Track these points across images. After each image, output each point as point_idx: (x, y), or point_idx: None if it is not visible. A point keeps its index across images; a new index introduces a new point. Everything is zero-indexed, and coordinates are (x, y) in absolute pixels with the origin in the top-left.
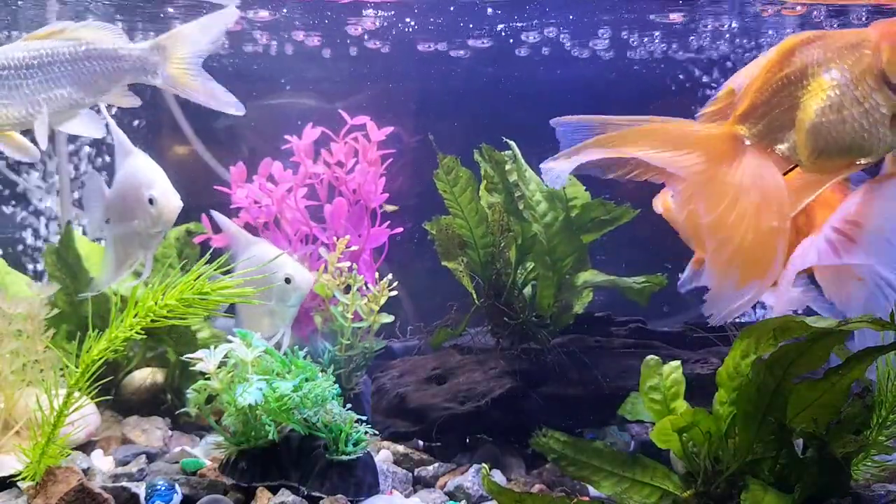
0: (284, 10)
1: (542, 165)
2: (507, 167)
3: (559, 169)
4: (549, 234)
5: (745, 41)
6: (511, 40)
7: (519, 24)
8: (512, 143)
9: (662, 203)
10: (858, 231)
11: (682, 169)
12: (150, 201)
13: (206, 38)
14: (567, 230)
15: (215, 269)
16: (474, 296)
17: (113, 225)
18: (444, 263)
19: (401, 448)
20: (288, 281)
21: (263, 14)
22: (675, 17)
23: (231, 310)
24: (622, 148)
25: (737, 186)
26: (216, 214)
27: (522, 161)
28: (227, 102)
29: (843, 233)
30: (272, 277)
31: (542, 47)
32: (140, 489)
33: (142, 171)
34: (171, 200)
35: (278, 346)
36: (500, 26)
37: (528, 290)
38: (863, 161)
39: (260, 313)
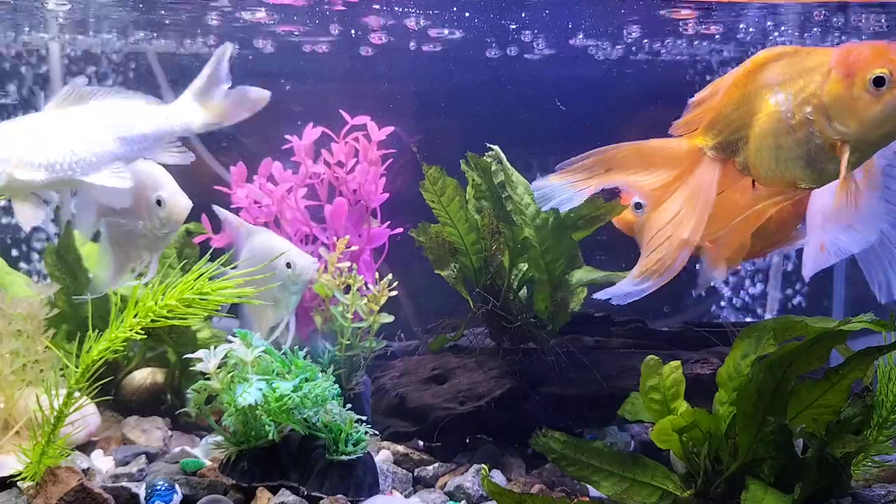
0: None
1: (533, 185)
2: (493, 168)
3: (548, 188)
4: (541, 236)
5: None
6: (510, 40)
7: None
8: (496, 147)
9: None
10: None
11: (652, 182)
12: (159, 202)
13: (220, 76)
14: (558, 230)
15: (215, 270)
16: (471, 303)
17: (115, 226)
18: (436, 272)
19: (401, 448)
20: (289, 266)
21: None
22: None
23: (234, 305)
24: (602, 172)
25: (684, 194)
26: (218, 209)
27: (508, 165)
28: (258, 100)
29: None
30: (274, 265)
31: (542, 48)
32: (140, 489)
33: (147, 172)
34: (180, 201)
35: (284, 333)
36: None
37: (523, 292)
38: (804, 186)
39: (264, 302)
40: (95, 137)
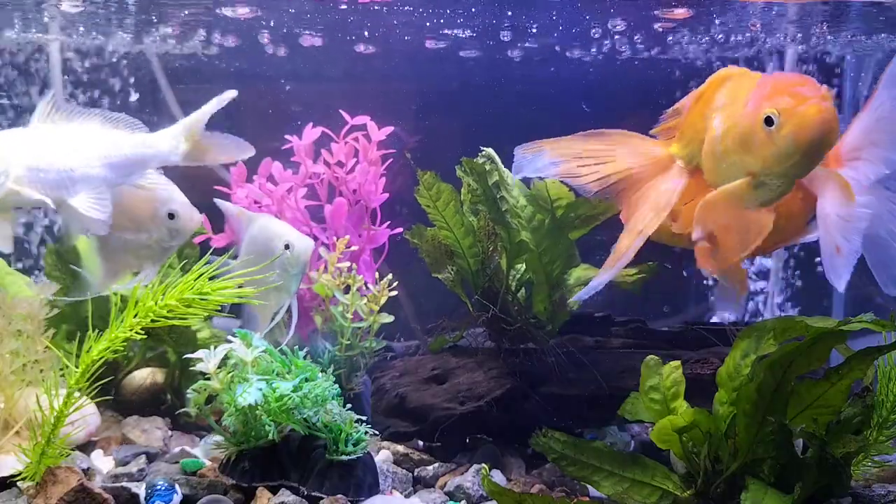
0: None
1: (515, 150)
2: (488, 167)
3: (528, 157)
4: (537, 239)
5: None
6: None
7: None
8: (489, 150)
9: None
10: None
11: (623, 172)
12: (171, 216)
13: (208, 115)
14: (554, 231)
15: (215, 270)
16: (469, 305)
17: (116, 236)
18: (434, 275)
19: (401, 448)
20: (288, 248)
21: (244, 11)
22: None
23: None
24: (581, 148)
25: (650, 194)
26: (217, 200)
27: (503, 167)
28: (243, 150)
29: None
30: (274, 249)
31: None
32: (140, 489)
33: (158, 186)
34: (193, 215)
35: (287, 316)
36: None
37: (522, 293)
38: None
39: (266, 287)
40: (84, 160)
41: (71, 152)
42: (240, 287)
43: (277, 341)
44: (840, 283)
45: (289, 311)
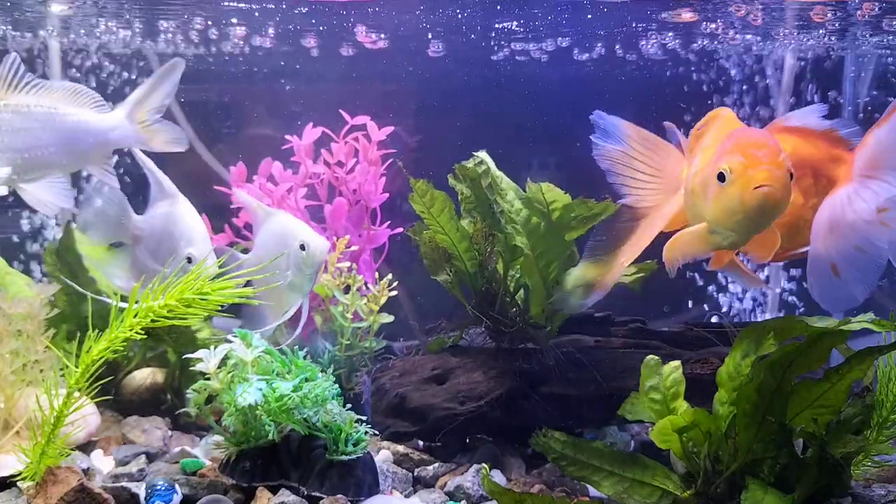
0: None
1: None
2: (482, 170)
3: (607, 120)
4: (533, 242)
5: None
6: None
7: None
8: (482, 154)
9: None
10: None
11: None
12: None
13: (163, 93)
14: (551, 234)
15: (215, 270)
16: (468, 308)
17: (141, 256)
18: (433, 277)
19: (401, 448)
20: (303, 248)
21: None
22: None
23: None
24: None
25: (651, 217)
26: (238, 191)
27: (497, 171)
28: (180, 143)
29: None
30: (288, 246)
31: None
32: (140, 489)
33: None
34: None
35: (297, 316)
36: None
37: (520, 295)
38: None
39: (279, 287)
40: (43, 144)
41: (32, 136)
42: (248, 283)
43: (278, 342)
44: (837, 306)
45: (298, 310)
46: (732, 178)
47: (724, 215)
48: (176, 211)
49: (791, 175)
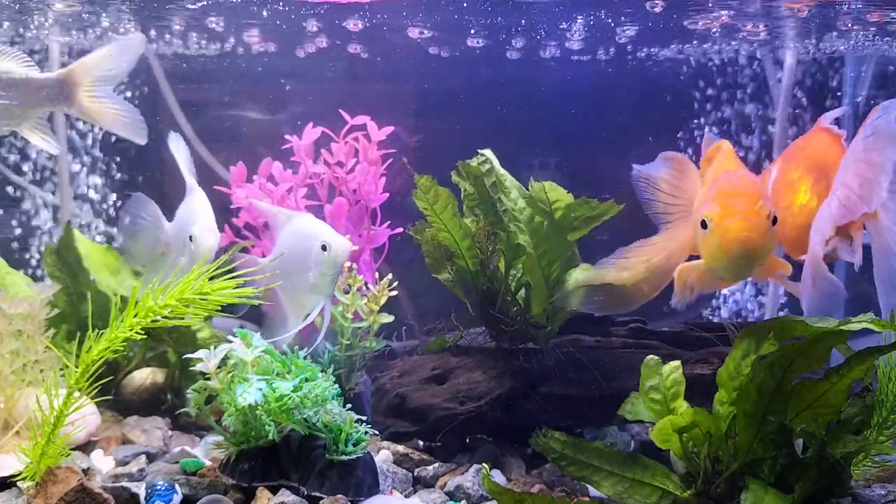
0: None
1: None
2: (486, 169)
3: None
4: (536, 241)
5: None
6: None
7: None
8: (487, 152)
9: None
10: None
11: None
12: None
13: (114, 64)
14: (553, 233)
15: (215, 270)
16: (468, 306)
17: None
18: (434, 276)
19: (401, 448)
20: (324, 248)
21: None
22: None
23: (267, 291)
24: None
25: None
26: (255, 201)
27: (500, 170)
28: (136, 129)
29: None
30: (309, 248)
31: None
32: (140, 489)
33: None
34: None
35: (320, 318)
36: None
37: (521, 294)
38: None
39: (302, 289)
40: None
41: None
42: (239, 291)
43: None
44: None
45: (320, 313)
46: (712, 227)
47: (711, 259)
48: (189, 202)
49: (775, 219)
